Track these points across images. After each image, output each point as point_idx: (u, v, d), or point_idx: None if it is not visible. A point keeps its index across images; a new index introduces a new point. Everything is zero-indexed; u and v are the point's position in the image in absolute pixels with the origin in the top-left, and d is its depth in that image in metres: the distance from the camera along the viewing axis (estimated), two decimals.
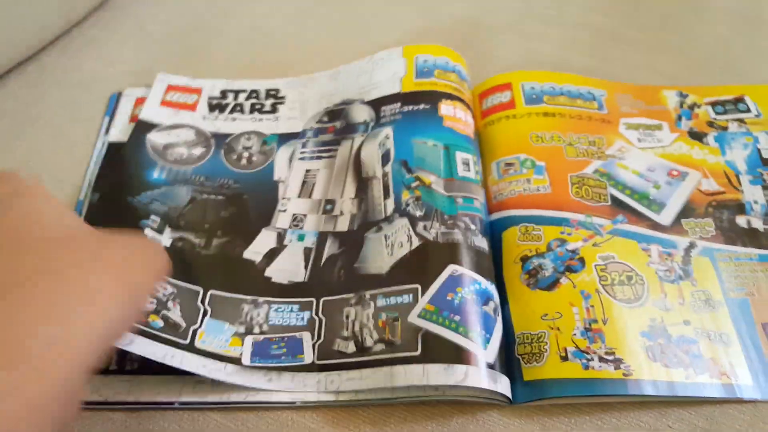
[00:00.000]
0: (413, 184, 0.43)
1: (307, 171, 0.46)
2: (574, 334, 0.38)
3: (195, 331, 0.38)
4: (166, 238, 0.43)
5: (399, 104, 0.47)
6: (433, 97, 0.46)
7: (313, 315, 0.39)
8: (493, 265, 0.41)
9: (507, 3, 0.62)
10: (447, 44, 0.51)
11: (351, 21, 0.61)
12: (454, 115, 0.46)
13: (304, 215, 0.44)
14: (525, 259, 0.41)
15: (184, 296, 0.39)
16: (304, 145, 0.48)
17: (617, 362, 0.37)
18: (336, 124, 0.48)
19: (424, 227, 0.41)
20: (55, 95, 0.54)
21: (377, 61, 0.51)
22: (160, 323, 0.37)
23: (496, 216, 0.44)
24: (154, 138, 0.48)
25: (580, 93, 0.51)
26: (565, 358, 0.37)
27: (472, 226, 0.41)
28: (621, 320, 0.38)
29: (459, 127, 0.46)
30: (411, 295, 0.38)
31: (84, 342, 0.22)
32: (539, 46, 0.58)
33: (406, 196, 0.42)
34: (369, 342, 0.37)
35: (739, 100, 0.51)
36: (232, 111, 0.51)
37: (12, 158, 0.49)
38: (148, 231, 0.42)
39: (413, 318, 0.37)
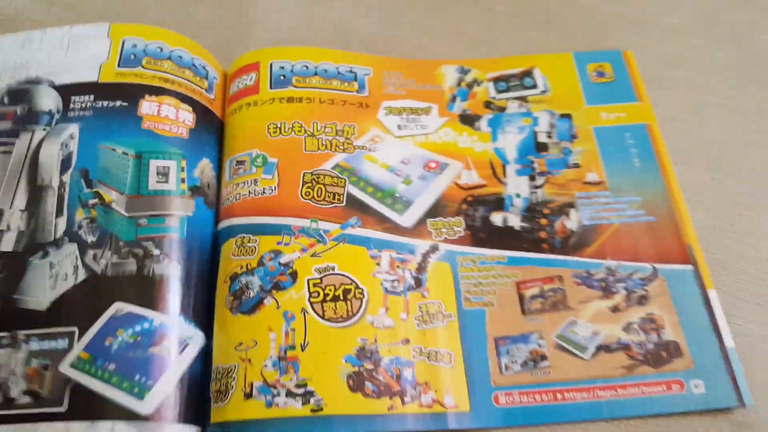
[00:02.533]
0: (90, 201, 0.37)
1: None
2: (266, 366, 0.33)
3: None
4: None
5: (92, 96, 0.39)
6: (134, 92, 0.39)
7: None
8: (194, 291, 0.36)
9: None
10: (213, 7, 0.43)
11: None
12: (158, 114, 0.39)
13: None
14: (234, 278, 0.36)
15: None
16: None
17: (307, 396, 0.32)
18: (17, 109, 0.40)
19: (94, 256, 0.35)
20: None
21: (77, 37, 0.42)
22: None
23: (221, 226, 0.38)
24: None
25: (338, 72, 0.44)
26: (249, 396, 0.32)
27: (156, 251, 0.35)
28: (324, 344, 0.34)
29: (163, 128, 0.39)
30: (66, 340, 0.33)
31: None
32: (323, 11, 0.51)
33: (80, 215, 0.36)
34: (14, 392, 0.32)
35: (527, 74, 0.46)
36: None
37: None
38: None
39: (65, 367, 0.32)
